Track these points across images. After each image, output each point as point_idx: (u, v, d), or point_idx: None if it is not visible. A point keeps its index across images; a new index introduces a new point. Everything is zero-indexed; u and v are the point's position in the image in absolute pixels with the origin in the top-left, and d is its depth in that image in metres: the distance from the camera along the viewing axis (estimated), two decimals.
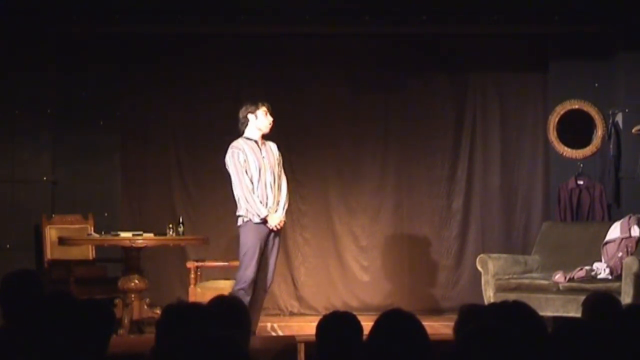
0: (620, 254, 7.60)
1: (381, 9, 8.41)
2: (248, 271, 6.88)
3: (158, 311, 7.29)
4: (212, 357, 2.33)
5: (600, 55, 8.80)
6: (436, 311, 8.73)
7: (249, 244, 6.93)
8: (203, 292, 7.30)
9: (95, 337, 3.47)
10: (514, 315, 3.53)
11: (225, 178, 8.96)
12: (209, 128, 9.00)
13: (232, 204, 8.95)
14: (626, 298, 7.14)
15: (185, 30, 8.62)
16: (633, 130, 8.50)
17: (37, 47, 8.41)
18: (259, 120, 7.07)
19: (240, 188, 6.97)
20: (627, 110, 8.62)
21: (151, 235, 7.51)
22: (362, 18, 8.47)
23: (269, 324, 8.15)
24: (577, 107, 8.87)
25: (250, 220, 6.93)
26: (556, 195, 8.79)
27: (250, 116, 7.07)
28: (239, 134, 7.12)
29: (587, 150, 8.88)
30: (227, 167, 7.03)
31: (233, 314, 3.68)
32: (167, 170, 9.02)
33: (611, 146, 8.65)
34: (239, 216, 7.00)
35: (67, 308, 3.55)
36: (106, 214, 8.63)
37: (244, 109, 7.11)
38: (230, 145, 7.03)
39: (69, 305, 3.60)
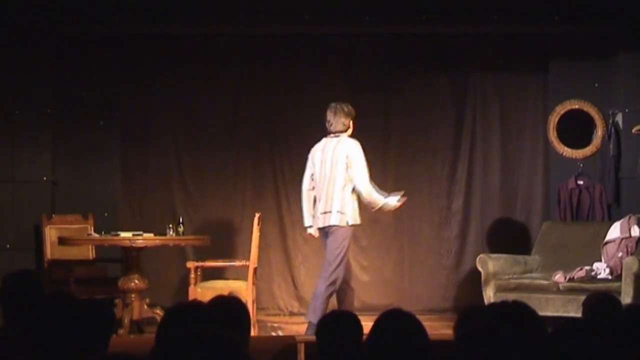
0: (620, 254, 7.60)
1: (381, 9, 8.41)
2: (343, 270, 7.11)
3: (158, 311, 7.31)
4: (209, 357, 2.33)
5: (600, 55, 8.80)
6: (436, 311, 8.72)
7: (347, 245, 7.15)
8: (203, 292, 7.30)
9: (95, 337, 3.47)
10: (513, 315, 3.53)
11: (226, 178, 9.03)
12: (209, 128, 9.01)
13: (233, 203, 9.03)
14: (626, 298, 7.14)
15: (185, 30, 8.62)
16: (633, 130, 8.50)
17: (37, 47, 8.41)
18: (350, 131, 7.30)
19: (369, 184, 7.14)
20: (627, 110, 8.62)
21: (151, 235, 7.51)
22: (362, 18, 8.48)
23: (269, 324, 8.15)
24: (577, 107, 8.88)
25: (352, 224, 7.13)
26: (556, 195, 8.79)
27: (351, 123, 7.27)
28: (325, 130, 7.29)
29: (587, 150, 8.88)
30: (350, 160, 7.11)
31: (233, 314, 3.68)
32: (167, 170, 9.02)
33: (611, 146, 8.65)
34: (343, 214, 7.09)
35: (67, 308, 3.55)
36: (106, 214, 8.63)
37: (350, 111, 7.26)
38: (355, 141, 7.20)
39: (69, 305, 3.60)
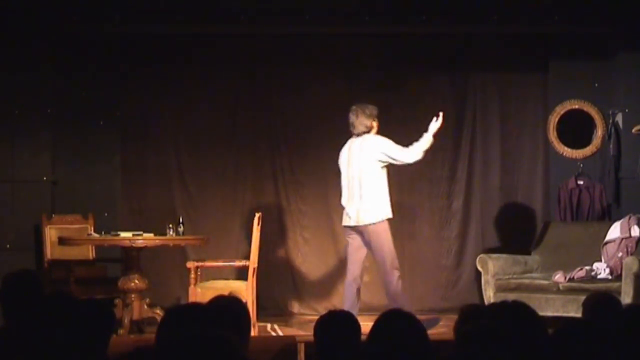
0: (620, 254, 7.61)
1: (381, 9, 8.41)
2: (396, 260, 7.31)
3: (158, 311, 7.30)
4: (209, 357, 2.32)
5: (600, 55, 8.80)
6: (436, 311, 8.71)
7: (389, 237, 7.29)
8: (203, 292, 7.30)
9: (95, 337, 3.47)
10: (513, 315, 3.53)
11: (226, 178, 9.03)
12: (209, 128, 9.01)
13: (233, 203, 9.03)
14: (626, 298, 7.15)
15: (185, 31, 8.62)
16: (633, 130, 8.50)
17: (37, 47, 8.41)
18: (375, 130, 7.43)
19: (412, 155, 7.33)
20: (627, 110, 8.62)
21: (151, 235, 7.50)
22: (362, 18, 8.47)
23: (269, 324, 8.15)
24: (577, 107, 8.88)
25: (386, 218, 7.30)
26: (556, 195, 8.79)
27: (374, 124, 7.40)
28: (349, 130, 7.43)
29: (587, 150, 8.88)
30: (384, 153, 7.27)
31: (233, 314, 3.68)
32: (167, 170, 9.02)
33: (611, 146, 8.65)
34: (377, 210, 7.26)
35: (67, 308, 3.55)
36: (106, 214, 8.63)
37: (372, 112, 7.38)
38: (377, 136, 7.36)
39: (69, 305, 3.60)
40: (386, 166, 7.33)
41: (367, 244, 7.31)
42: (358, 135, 7.38)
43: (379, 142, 7.29)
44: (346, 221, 7.39)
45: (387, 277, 7.29)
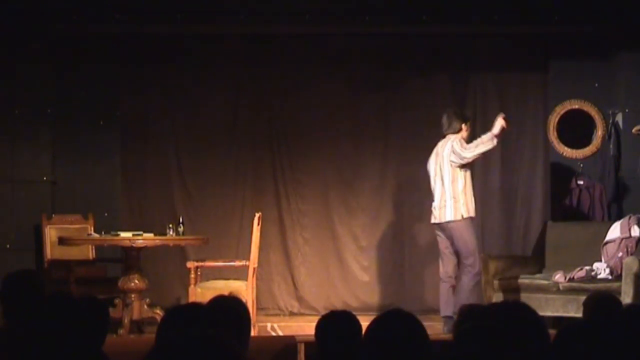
0: (620, 254, 7.60)
1: (381, 9, 8.42)
2: (479, 260, 7.51)
3: (158, 311, 7.31)
4: (204, 357, 2.32)
5: (600, 55, 8.80)
6: (436, 311, 8.71)
7: (473, 233, 7.54)
8: (203, 292, 7.30)
9: (90, 334, 3.46)
10: (514, 315, 3.52)
11: (226, 178, 9.03)
12: (209, 128, 9.01)
13: (233, 203, 9.02)
14: (626, 298, 7.14)
15: (185, 30, 8.62)
16: (633, 130, 8.50)
17: (37, 47, 8.41)
18: (464, 133, 7.59)
19: (468, 151, 7.48)
20: (627, 110, 8.63)
21: (151, 235, 7.51)
22: (362, 18, 8.48)
23: (269, 324, 8.15)
24: (577, 107, 8.88)
25: (467, 216, 7.47)
26: (556, 195, 8.78)
27: (463, 125, 7.59)
28: (441, 134, 7.63)
29: (587, 150, 8.88)
30: (459, 160, 7.44)
31: (233, 314, 3.68)
32: (167, 170, 9.02)
33: (611, 146, 8.65)
34: (455, 209, 7.45)
35: (67, 308, 3.55)
36: (106, 214, 8.63)
37: (464, 114, 7.70)
38: (458, 136, 7.51)
39: (69, 305, 3.60)
40: (464, 166, 7.49)
41: (450, 238, 7.51)
42: (446, 135, 7.58)
43: (453, 143, 7.46)
44: (432, 219, 7.64)
45: (466, 270, 7.43)
